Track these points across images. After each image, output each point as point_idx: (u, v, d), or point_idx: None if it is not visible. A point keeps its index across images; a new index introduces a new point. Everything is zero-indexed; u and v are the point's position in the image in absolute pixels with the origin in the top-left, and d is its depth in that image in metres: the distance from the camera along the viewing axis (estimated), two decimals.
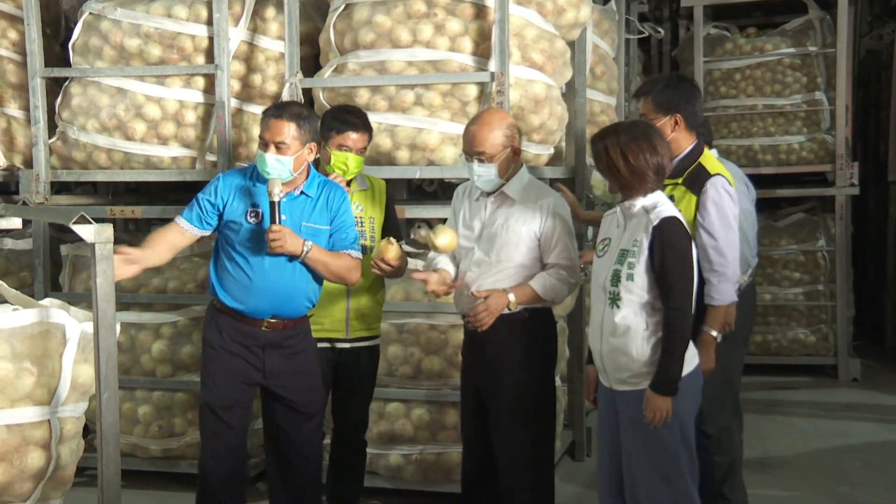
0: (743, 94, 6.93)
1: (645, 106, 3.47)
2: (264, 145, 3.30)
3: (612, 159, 2.94)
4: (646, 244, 2.92)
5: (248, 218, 3.35)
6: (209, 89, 4.46)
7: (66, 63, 4.72)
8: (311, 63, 4.59)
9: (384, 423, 4.28)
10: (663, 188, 3.07)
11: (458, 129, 4.15)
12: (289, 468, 3.55)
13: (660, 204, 2.97)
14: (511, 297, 3.29)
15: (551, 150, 4.53)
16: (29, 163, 4.69)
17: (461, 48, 4.17)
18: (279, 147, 3.28)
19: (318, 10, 4.69)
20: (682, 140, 3.40)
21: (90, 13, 4.58)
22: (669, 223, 2.92)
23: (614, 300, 2.98)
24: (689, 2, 6.84)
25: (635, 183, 2.95)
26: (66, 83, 4.66)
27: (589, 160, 4.95)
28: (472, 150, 3.32)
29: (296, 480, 3.57)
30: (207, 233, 3.43)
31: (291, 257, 3.33)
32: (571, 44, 4.64)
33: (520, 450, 3.41)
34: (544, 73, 4.28)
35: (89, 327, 2.64)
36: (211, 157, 4.49)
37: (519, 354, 3.37)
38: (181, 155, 4.53)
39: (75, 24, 4.68)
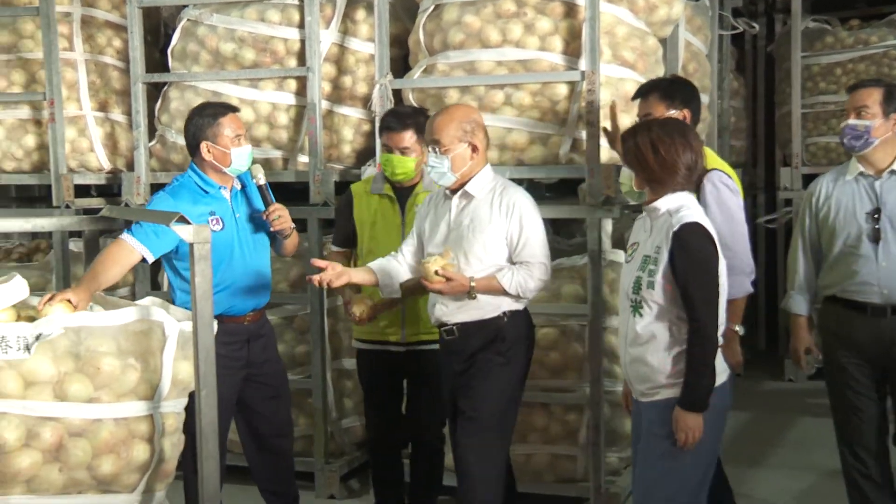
0: (844, 90, 6.68)
1: (649, 105, 3.41)
2: (240, 140, 3.49)
3: (641, 151, 2.84)
4: (666, 251, 2.80)
5: (212, 227, 3.44)
6: (301, 91, 4.53)
7: (165, 68, 4.86)
8: (400, 64, 4.62)
9: None
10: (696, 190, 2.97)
11: (549, 128, 4.13)
12: (269, 452, 3.69)
13: (685, 207, 2.84)
14: (473, 283, 3.20)
15: None
16: (130, 165, 4.84)
17: (551, 47, 4.14)
18: (246, 137, 3.54)
19: (407, 12, 4.72)
20: None
21: (188, 19, 4.71)
22: (689, 229, 2.78)
23: (636, 308, 2.89)
24: None
25: (665, 177, 2.84)
26: (165, 88, 4.80)
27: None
28: (429, 137, 3.29)
29: (278, 463, 3.72)
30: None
31: (276, 236, 3.57)
32: (663, 41, 4.55)
33: (481, 453, 3.29)
34: (636, 72, 4.21)
35: (188, 325, 2.72)
36: (303, 159, 4.56)
37: (494, 358, 3.29)
38: (273, 157, 4.62)
39: (174, 30, 4.82)
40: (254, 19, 4.56)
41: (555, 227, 5.42)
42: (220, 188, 3.53)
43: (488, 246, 3.24)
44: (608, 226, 4.20)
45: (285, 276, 4.70)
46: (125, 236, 3.33)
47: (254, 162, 3.61)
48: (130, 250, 3.31)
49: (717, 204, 3.27)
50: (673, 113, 3.35)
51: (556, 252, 4.80)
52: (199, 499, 2.62)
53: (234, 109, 3.58)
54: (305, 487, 4.19)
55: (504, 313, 3.29)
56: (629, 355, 2.94)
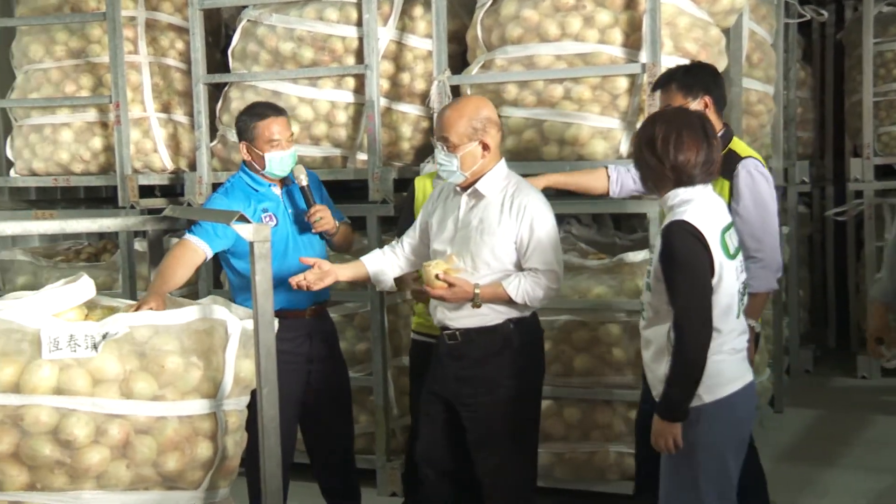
0: None
1: (669, 96, 3.30)
2: (277, 144, 3.52)
3: (636, 148, 2.76)
4: (657, 251, 2.70)
5: (265, 223, 3.49)
6: (359, 89, 4.54)
7: (225, 69, 4.91)
8: (458, 60, 4.60)
9: None
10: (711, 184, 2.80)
11: (609, 122, 4.08)
12: (330, 451, 3.71)
13: (685, 203, 2.68)
14: (477, 290, 3.03)
15: None
16: (193, 166, 4.91)
17: (611, 40, 4.08)
18: (288, 141, 3.56)
19: (464, 7, 4.69)
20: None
21: (248, 20, 4.75)
22: (674, 227, 2.64)
23: (642, 311, 2.80)
24: None
25: (648, 179, 2.75)
26: (226, 88, 4.85)
27: None
28: (438, 133, 3.14)
29: (338, 463, 3.73)
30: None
31: (323, 235, 3.62)
32: (726, 31, 4.45)
33: (502, 472, 3.19)
34: None
35: (249, 324, 2.74)
36: (362, 156, 4.57)
37: (501, 369, 3.12)
38: (333, 154, 4.64)
39: (234, 31, 4.87)
40: (312, 18, 4.58)
41: (615, 223, 5.36)
42: (269, 185, 3.58)
43: (497, 250, 3.08)
44: None
45: None
46: (188, 237, 3.39)
47: (298, 162, 3.64)
48: (195, 250, 3.38)
49: (750, 193, 3.16)
50: (691, 102, 3.25)
51: (617, 248, 4.75)
52: (261, 496, 2.64)
53: (280, 112, 3.59)
54: (367, 485, 4.20)
55: (510, 320, 3.13)
56: (644, 361, 2.85)
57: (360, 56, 4.52)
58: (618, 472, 4.23)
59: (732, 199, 3.19)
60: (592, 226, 5.05)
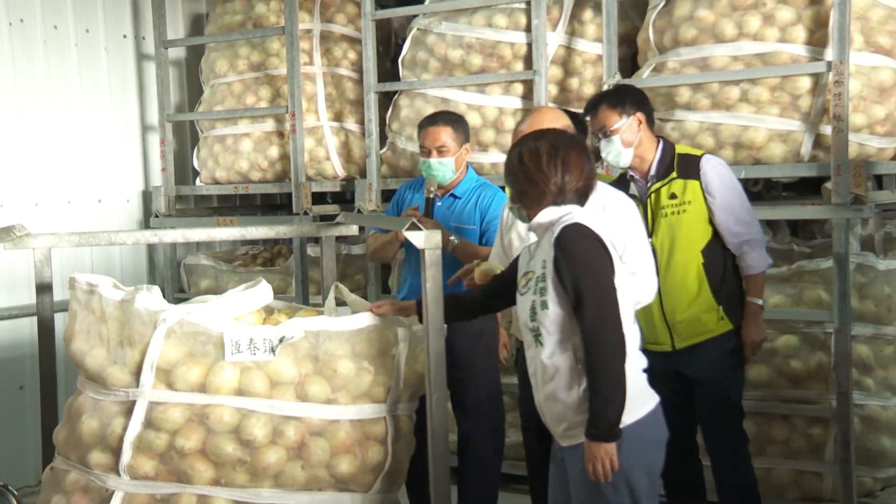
0: None
1: (600, 118, 3.36)
2: (427, 152, 3.70)
3: (511, 162, 2.59)
4: (551, 262, 2.46)
5: None
6: (527, 95, 4.52)
7: (395, 77, 5.01)
8: (628, 64, 4.50)
9: None
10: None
11: (788, 125, 3.89)
12: (460, 461, 3.74)
13: (568, 214, 2.50)
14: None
15: None
16: (363, 172, 5.04)
17: (792, 38, 3.88)
18: (440, 151, 3.67)
19: (635, 9, 4.59)
20: (647, 141, 3.37)
21: (418, 28, 4.83)
22: (569, 230, 2.44)
23: (537, 337, 2.51)
24: None
25: (531, 191, 2.52)
26: (396, 96, 4.94)
27: None
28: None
29: (461, 472, 3.73)
30: None
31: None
32: None
33: None
34: (893, 59, 3.85)
35: (419, 329, 2.77)
36: None
37: None
38: (500, 161, 4.63)
39: (404, 40, 4.96)
40: (481, 25, 4.60)
41: (792, 228, 5.09)
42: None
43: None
44: (857, 227, 3.88)
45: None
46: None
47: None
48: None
49: (723, 184, 3.28)
50: (625, 119, 3.32)
51: (795, 255, 4.51)
52: (430, 501, 2.66)
53: (432, 122, 3.75)
54: (522, 492, 4.15)
55: None
56: (542, 392, 2.56)
57: (528, 62, 4.50)
58: (797, 491, 4.01)
59: (708, 195, 3.31)
60: (768, 232, 4.82)
